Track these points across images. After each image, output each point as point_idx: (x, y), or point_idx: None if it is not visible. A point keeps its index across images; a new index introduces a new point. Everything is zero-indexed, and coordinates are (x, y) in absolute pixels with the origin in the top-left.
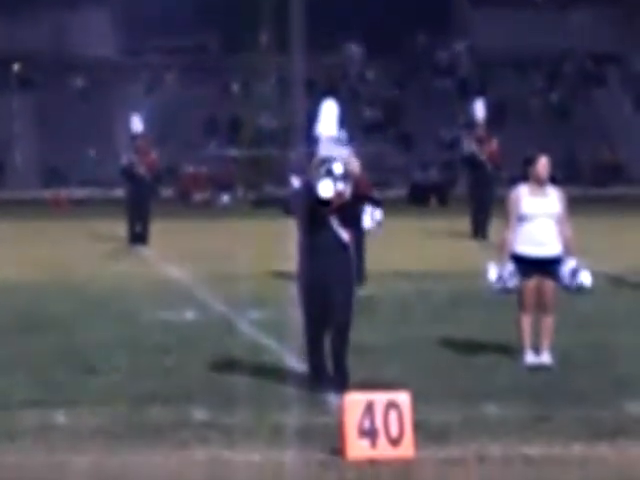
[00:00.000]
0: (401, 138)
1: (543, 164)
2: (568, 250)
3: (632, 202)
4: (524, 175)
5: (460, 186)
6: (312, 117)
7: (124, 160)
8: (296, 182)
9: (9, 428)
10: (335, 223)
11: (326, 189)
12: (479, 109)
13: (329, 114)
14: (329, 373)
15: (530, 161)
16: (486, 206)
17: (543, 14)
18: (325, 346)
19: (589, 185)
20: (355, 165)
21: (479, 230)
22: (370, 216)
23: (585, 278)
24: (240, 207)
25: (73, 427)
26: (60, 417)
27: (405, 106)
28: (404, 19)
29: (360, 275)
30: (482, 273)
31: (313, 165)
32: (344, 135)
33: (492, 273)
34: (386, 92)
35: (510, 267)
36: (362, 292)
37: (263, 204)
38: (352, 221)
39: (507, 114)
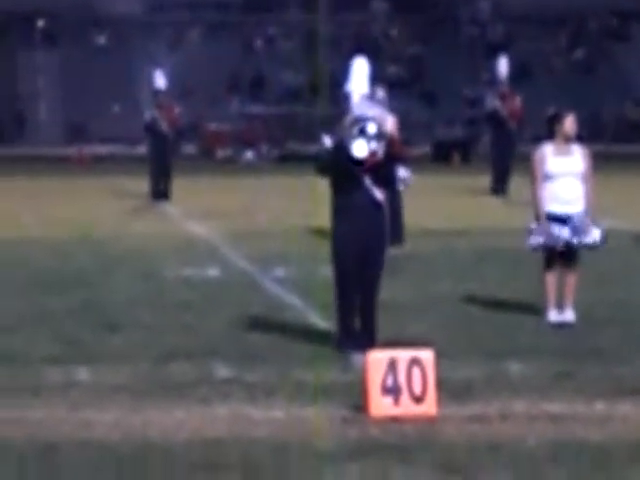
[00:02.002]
0: (425, 95)
1: (571, 121)
2: (586, 208)
3: None
4: (549, 132)
5: (483, 143)
6: (339, 75)
7: (147, 116)
8: (327, 140)
9: (32, 384)
10: (368, 182)
11: (360, 149)
12: (502, 66)
13: (360, 72)
14: (356, 331)
15: (556, 118)
16: (507, 163)
17: None
18: (354, 304)
19: (613, 142)
20: (391, 124)
21: (500, 187)
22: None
23: (595, 235)
24: (264, 164)
25: (95, 384)
26: (83, 374)
27: (429, 63)
28: None
29: (397, 235)
30: (505, 230)
31: (345, 124)
32: (383, 93)
33: (535, 239)
34: (410, 49)
35: (549, 226)
36: (397, 251)
37: (287, 160)
38: (386, 180)
39: (531, 71)
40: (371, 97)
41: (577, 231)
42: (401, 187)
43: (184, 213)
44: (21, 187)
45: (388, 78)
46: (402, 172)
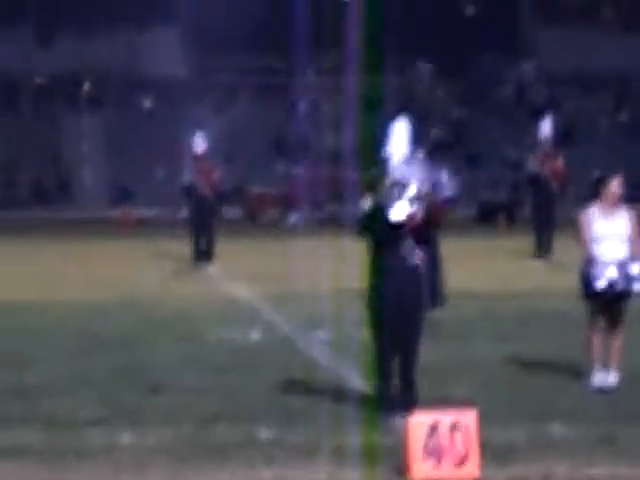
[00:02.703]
0: (468, 157)
1: (616, 184)
2: (634, 257)
3: None
4: (594, 194)
5: (528, 206)
6: (381, 137)
7: (185, 180)
8: (367, 203)
9: (76, 447)
10: (407, 245)
11: (399, 212)
12: (546, 126)
13: (401, 134)
14: (396, 394)
15: (602, 181)
16: (550, 224)
17: (609, 33)
18: (393, 367)
19: None
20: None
21: (544, 249)
22: None
23: None
24: (308, 226)
25: (138, 447)
26: (125, 437)
27: (472, 126)
28: (472, 38)
29: (438, 297)
30: (548, 293)
31: (385, 186)
32: (421, 155)
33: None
34: (454, 111)
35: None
36: (438, 313)
37: (331, 223)
38: (425, 242)
39: (575, 133)
40: (411, 158)
41: (626, 277)
42: (446, 193)
43: (226, 275)
44: (66, 250)
45: (432, 140)
46: (444, 176)
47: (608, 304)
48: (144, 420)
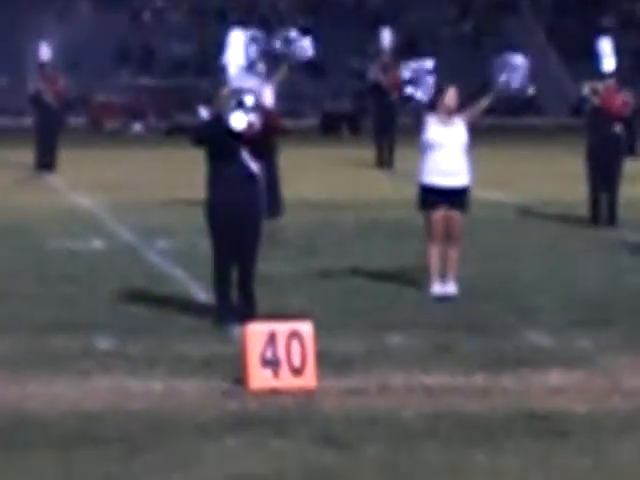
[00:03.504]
0: (313, 67)
1: (451, 95)
2: None
3: (543, 133)
4: (432, 104)
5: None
6: (221, 47)
7: (31, 88)
8: (204, 112)
9: None
10: (245, 154)
11: (238, 121)
12: (385, 36)
13: (237, 44)
14: (234, 304)
15: (438, 91)
16: (391, 134)
17: None
18: (232, 277)
19: (501, 115)
20: (268, 96)
21: (385, 159)
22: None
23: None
24: (152, 136)
25: None
26: None
27: (317, 35)
28: None
29: (276, 207)
30: (389, 203)
31: (222, 96)
32: (262, 66)
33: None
34: (299, 20)
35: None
36: (275, 223)
37: (174, 133)
38: (263, 152)
39: (418, 43)
40: (249, 69)
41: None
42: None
43: (69, 185)
44: None
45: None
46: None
47: (446, 214)
48: None
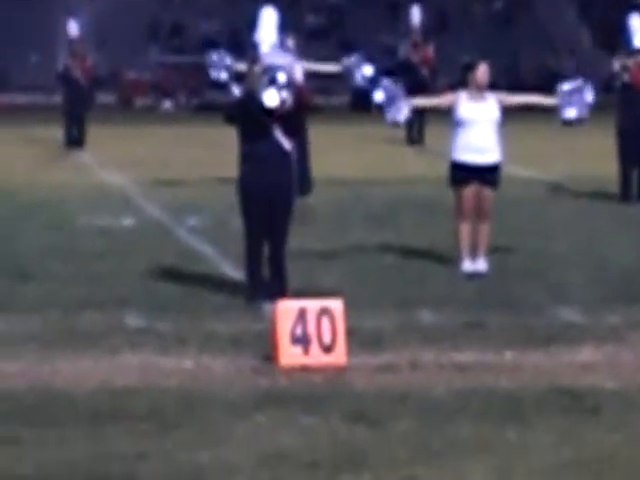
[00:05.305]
0: (343, 44)
1: (483, 71)
2: None
3: None
4: (463, 81)
5: None
6: (253, 24)
7: (60, 65)
8: (236, 90)
9: None
10: (277, 132)
11: (271, 98)
12: (415, 14)
13: (269, 21)
14: (265, 281)
15: (469, 67)
16: (421, 112)
17: None
18: (263, 254)
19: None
20: (299, 73)
21: (415, 136)
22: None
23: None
24: (182, 113)
25: (5, 333)
26: None
27: (347, 12)
28: None
29: (306, 184)
30: (420, 180)
31: (254, 73)
32: (292, 41)
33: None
34: None
35: (403, 102)
36: (307, 200)
37: (205, 110)
38: (295, 129)
39: (448, 21)
40: (281, 46)
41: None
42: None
43: (99, 162)
44: None
45: (307, 27)
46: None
47: (477, 191)
48: (11, 307)
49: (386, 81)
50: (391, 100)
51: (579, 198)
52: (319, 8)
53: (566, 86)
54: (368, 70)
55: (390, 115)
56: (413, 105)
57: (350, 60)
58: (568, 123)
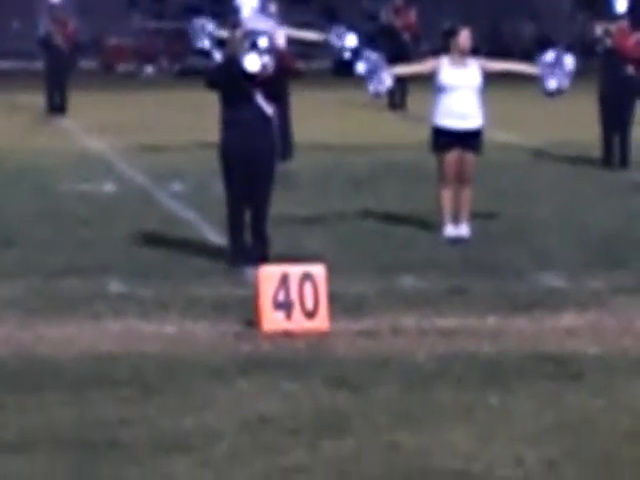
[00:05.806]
0: (326, 9)
1: (464, 36)
2: None
3: None
4: (444, 47)
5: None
6: None
7: (41, 31)
8: (217, 54)
9: None
10: (259, 97)
11: (252, 63)
12: None
13: None
14: (248, 246)
15: (451, 33)
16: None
17: None
18: (245, 219)
19: (514, 57)
20: (281, 38)
21: (397, 102)
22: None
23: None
24: (164, 79)
25: None
26: None
27: None
28: None
29: (287, 149)
30: (401, 145)
31: (236, 38)
32: (274, 6)
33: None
34: None
35: (385, 73)
36: (288, 165)
37: (187, 75)
38: (276, 95)
39: None
40: (263, 11)
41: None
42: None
43: (81, 128)
44: None
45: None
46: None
47: (459, 156)
48: None
49: (368, 52)
50: (373, 71)
51: (561, 163)
52: None
53: (549, 55)
54: (352, 41)
55: (372, 87)
56: (395, 74)
57: (334, 36)
58: (550, 94)
